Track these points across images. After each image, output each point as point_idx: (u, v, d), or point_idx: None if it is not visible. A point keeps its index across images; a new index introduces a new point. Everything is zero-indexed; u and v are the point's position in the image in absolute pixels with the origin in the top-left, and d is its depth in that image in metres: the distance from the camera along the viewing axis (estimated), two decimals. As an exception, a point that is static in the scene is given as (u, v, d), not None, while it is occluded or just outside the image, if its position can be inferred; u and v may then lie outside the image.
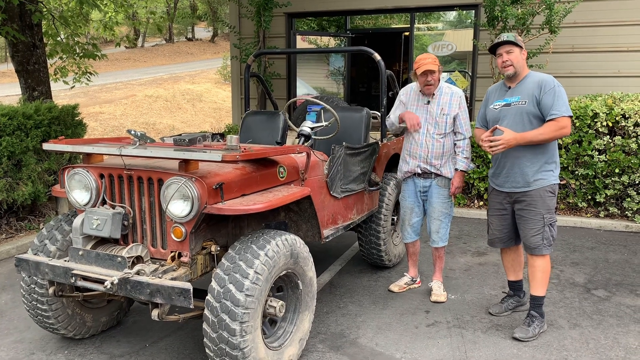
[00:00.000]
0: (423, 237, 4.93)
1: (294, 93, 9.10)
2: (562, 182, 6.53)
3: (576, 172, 6.45)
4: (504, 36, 3.65)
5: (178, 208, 2.95)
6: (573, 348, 3.58)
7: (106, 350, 3.60)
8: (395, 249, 5.04)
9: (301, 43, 9.49)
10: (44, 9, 7.12)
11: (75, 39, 8.03)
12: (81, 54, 7.93)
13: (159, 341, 3.71)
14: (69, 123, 6.12)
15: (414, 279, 4.61)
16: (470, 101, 8.39)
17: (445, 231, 4.33)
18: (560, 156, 6.38)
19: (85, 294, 3.41)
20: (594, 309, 4.19)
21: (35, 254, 3.42)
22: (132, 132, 3.26)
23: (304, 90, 10.13)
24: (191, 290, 2.75)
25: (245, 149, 3.04)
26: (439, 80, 4.15)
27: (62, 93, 19.15)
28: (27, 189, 5.55)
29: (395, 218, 5.10)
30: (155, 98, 20.99)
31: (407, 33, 9.19)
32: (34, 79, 6.93)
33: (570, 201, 6.60)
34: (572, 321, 3.97)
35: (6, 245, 5.50)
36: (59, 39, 7.89)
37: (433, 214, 4.29)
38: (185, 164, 3.00)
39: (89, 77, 8.65)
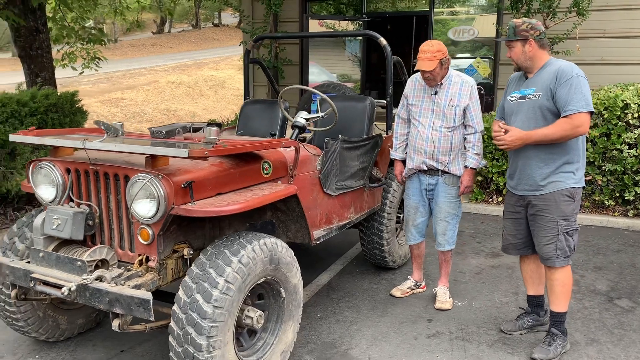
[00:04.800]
0: (430, 237, 4.58)
1: (306, 80, 8.75)
2: (587, 178, 6.06)
3: (603, 167, 5.97)
4: (507, 29, 3.28)
5: (144, 208, 2.67)
6: (588, 368, 3.21)
7: (80, 355, 3.37)
8: (400, 249, 4.70)
9: (318, 27, 9.12)
10: (46, -8, 6.92)
11: (81, 24, 7.81)
12: (87, 39, 7.72)
13: (137, 347, 3.47)
14: (67, 110, 5.91)
15: (418, 283, 4.27)
16: (493, 90, 7.92)
17: (452, 233, 3.97)
18: (587, 150, 5.91)
19: (52, 296, 3.17)
20: (616, 321, 3.79)
21: (3, 253, 3.20)
22: (101, 124, 3.00)
23: (322, 76, 9.78)
24: (151, 301, 2.48)
25: (222, 142, 2.74)
26: (447, 69, 3.77)
27: (85, 79, 19.19)
28: (21, 178, 5.38)
29: (401, 216, 4.75)
30: (178, 84, 20.89)
31: (426, 17, 8.72)
32: (37, 64, 6.75)
33: (596, 199, 6.13)
34: (590, 336, 3.59)
35: (0, 235, 5.35)
36: (65, 23, 7.69)
37: (439, 214, 3.93)
38: (152, 159, 2.72)
39: (97, 62, 8.46)
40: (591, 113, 3.07)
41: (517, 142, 3.13)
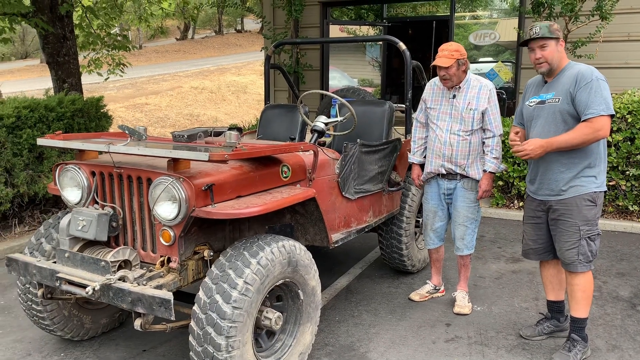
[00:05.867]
0: (449, 242, 4.57)
1: (326, 85, 8.80)
2: (611, 183, 5.98)
3: (627, 172, 5.89)
4: (537, 29, 3.15)
5: (165, 210, 2.74)
6: (609, 375, 3.18)
7: (103, 354, 3.45)
8: (419, 253, 4.70)
9: (339, 33, 9.18)
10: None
11: (107, 31, 8.00)
12: (112, 45, 7.90)
13: (159, 346, 3.54)
14: (92, 115, 6.06)
15: (437, 288, 4.26)
16: (514, 94, 7.87)
17: (471, 238, 3.96)
18: (610, 155, 5.85)
19: (77, 296, 3.26)
20: (638, 328, 3.73)
21: (31, 253, 3.30)
22: (124, 128, 3.08)
23: (344, 81, 9.82)
24: (172, 301, 2.54)
25: (242, 146, 2.80)
26: (465, 73, 3.77)
27: (110, 84, 19.56)
28: (49, 181, 5.52)
29: (420, 220, 4.75)
30: (201, 90, 21.13)
31: (447, 21, 8.71)
32: (64, 71, 6.93)
33: (620, 204, 6.05)
34: (612, 342, 3.55)
35: (28, 237, 5.50)
36: (91, 30, 7.88)
37: (458, 219, 3.93)
38: (174, 162, 2.78)
39: (122, 68, 8.64)
40: (612, 116, 3.05)
41: (539, 151, 3.09)
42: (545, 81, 3.27)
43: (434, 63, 3.67)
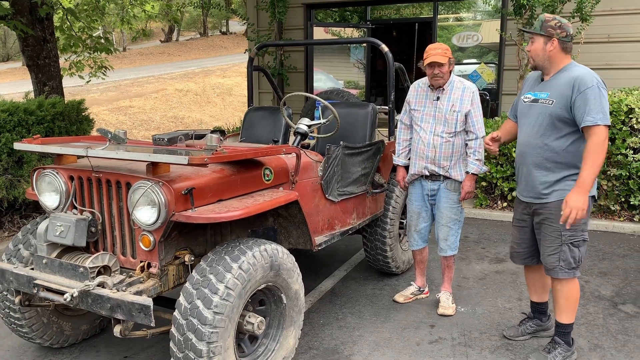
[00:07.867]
0: (433, 243, 4.58)
1: (311, 87, 8.79)
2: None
3: (608, 172, 5.95)
4: (534, 20, 3.17)
5: (145, 215, 2.70)
6: (591, 374, 3.20)
7: (83, 361, 3.40)
8: (403, 254, 4.70)
9: (323, 34, 9.17)
10: (53, 0, 7.00)
11: (88, 33, 7.92)
12: (94, 48, 7.81)
13: (140, 352, 3.50)
14: (74, 119, 5.98)
15: (421, 289, 4.26)
16: (497, 96, 7.92)
17: (454, 239, 3.97)
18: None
19: (56, 303, 3.20)
20: (620, 327, 3.76)
21: (8, 259, 3.24)
22: (103, 132, 3.03)
23: (329, 83, 9.82)
24: (152, 307, 2.51)
25: (222, 149, 2.77)
26: (450, 74, 3.78)
27: (93, 87, 19.37)
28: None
29: (404, 222, 4.75)
30: (186, 92, 21.00)
31: (430, 23, 8.75)
32: (44, 73, 6.84)
33: (602, 204, 6.10)
34: (594, 341, 3.57)
35: (8, 242, 5.40)
36: (72, 33, 7.79)
37: (441, 220, 3.94)
38: (153, 166, 2.75)
39: (104, 71, 8.55)
40: (608, 126, 2.95)
41: (582, 206, 2.89)
42: (542, 78, 3.20)
43: (430, 60, 3.64)
